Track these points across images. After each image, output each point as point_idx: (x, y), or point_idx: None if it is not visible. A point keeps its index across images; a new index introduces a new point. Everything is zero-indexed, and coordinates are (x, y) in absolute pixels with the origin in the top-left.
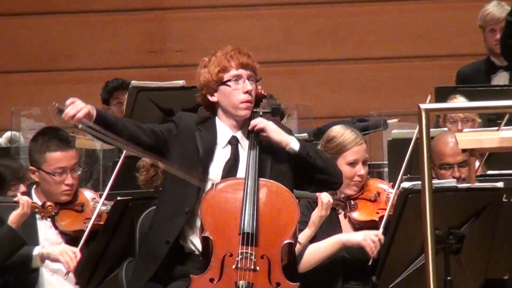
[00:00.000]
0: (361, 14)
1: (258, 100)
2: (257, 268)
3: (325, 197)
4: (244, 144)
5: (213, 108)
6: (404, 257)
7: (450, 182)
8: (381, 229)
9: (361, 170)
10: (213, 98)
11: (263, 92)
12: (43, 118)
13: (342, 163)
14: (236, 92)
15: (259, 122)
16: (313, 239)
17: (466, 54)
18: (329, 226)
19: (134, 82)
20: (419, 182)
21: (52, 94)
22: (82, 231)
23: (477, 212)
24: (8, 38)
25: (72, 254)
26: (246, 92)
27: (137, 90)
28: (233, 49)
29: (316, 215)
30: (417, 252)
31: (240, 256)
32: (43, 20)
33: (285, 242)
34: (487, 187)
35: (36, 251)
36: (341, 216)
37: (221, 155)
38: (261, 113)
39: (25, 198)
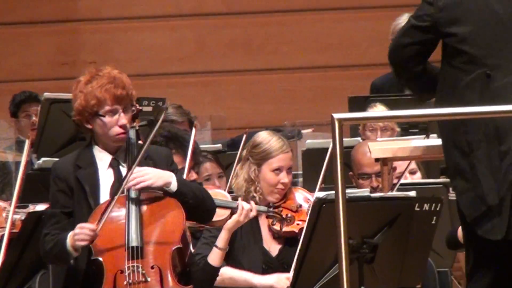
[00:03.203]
0: (274, 24)
1: (134, 117)
2: (148, 279)
3: (246, 205)
4: (124, 164)
5: (88, 131)
6: (318, 266)
7: (363, 192)
8: (291, 273)
9: (284, 178)
10: (88, 126)
11: (138, 107)
12: None
13: (266, 170)
14: (111, 126)
15: (138, 182)
16: (234, 249)
17: (379, 64)
18: (250, 235)
19: (46, 94)
20: (333, 192)
21: None
22: None
23: (390, 221)
24: None
25: None
26: (121, 126)
27: (50, 102)
28: (109, 80)
29: (233, 220)
30: (331, 262)
31: (127, 271)
32: None
33: (174, 248)
34: (399, 196)
35: None
36: (262, 223)
37: (106, 179)
38: (137, 128)
39: None
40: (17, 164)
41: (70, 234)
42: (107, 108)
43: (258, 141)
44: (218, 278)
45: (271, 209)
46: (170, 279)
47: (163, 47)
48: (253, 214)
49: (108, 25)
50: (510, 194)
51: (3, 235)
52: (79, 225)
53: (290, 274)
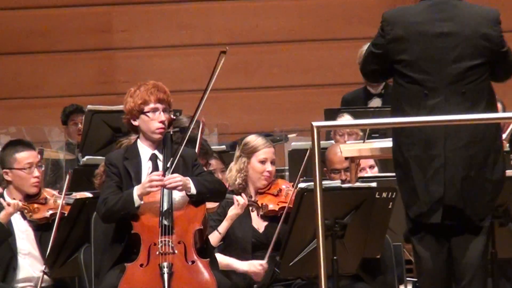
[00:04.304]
0: (267, 52)
1: (169, 123)
2: (176, 251)
3: (240, 199)
4: (161, 158)
5: (135, 129)
6: (301, 241)
7: (336, 183)
8: (265, 259)
9: (269, 167)
10: (135, 123)
11: (172, 116)
12: (17, 135)
13: (254, 161)
14: (153, 121)
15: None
16: (231, 228)
17: (348, 83)
18: (242, 218)
19: (89, 106)
20: (312, 183)
21: (23, 117)
22: (45, 218)
23: (356, 206)
24: None
25: None
26: (161, 122)
27: (92, 113)
28: (153, 86)
29: (233, 213)
30: (311, 238)
31: (161, 244)
32: (16, 58)
33: (196, 228)
34: (364, 186)
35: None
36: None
37: (145, 168)
38: (171, 132)
39: (14, 201)
40: (67, 161)
41: (137, 186)
42: (151, 106)
43: (247, 141)
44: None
45: (251, 200)
46: (192, 253)
47: (180, 69)
48: (243, 204)
49: (137, 52)
50: (438, 188)
51: (55, 217)
52: (148, 177)
53: (264, 261)
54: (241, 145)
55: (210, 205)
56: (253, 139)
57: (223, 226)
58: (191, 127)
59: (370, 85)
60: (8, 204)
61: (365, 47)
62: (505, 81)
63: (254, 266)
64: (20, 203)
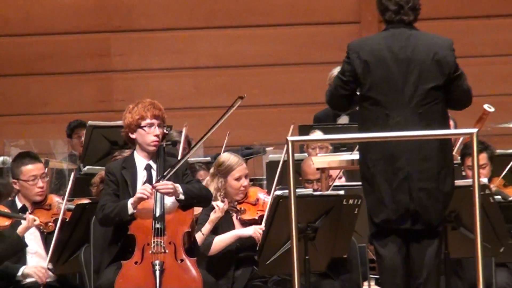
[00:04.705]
0: (248, 74)
1: (163, 137)
2: (167, 251)
3: (220, 204)
4: (155, 168)
5: (132, 142)
6: (277, 242)
7: (308, 191)
8: (263, 224)
9: (244, 182)
10: (132, 136)
11: (165, 131)
12: (26, 147)
13: (231, 180)
14: (149, 135)
15: (164, 188)
16: (216, 234)
17: (319, 103)
18: (225, 225)
19: (90, 122)
20: (287, 191)
21: (32, 131)
22: (51, 227)
23: (326, 211)
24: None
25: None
26: (156, 136)
27: (92, 128)
28: (150, 103)
29: (215, 216)
30: (285, 239)
31: (153, 244)
32: (26, 79)
33: (185, 231)
34: (333, 194)
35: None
36: (234, 219)
37: (141, 177)
38: (164, 145)
39: (31, 216)
40: (69, 170)
41: (132, 198)
42: (148, 121)
43: (221, 161)
44: (212, 248)
45: (231, 204)
46: (181, 252)
47: (171, 89)
48: (223, 209)
49: (132, 74)
50: (404, 197)
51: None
52: (141, 186)
53: (262, 225)
54: (216, 165)
55: (196, 211)
56: (227, 159)
57: (206, 228)
58: (197, 146)
59: None
60: (28, 219)
61: (335, 70)
62: (461, 109)
63: (256, 230)
64: (37, 220)
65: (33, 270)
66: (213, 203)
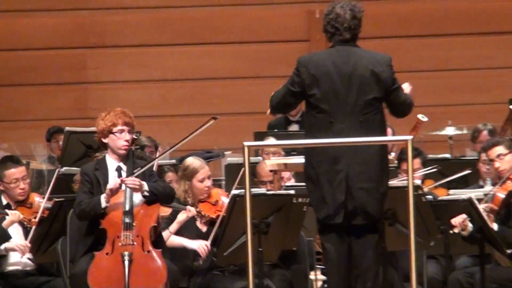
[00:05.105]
0: (208, 86)
1: (132, 142)
2: (135, 243)
3: (192, 209)
4: (124, 169)
5: (104, 146)
6: (233, 236)
7: (262, 191)
8: (209, 240)
9: (208, 183)
10: (105, 140)
11: (134, 136)
12: (9, 150)
13: (195, 181)
14: (120, 140)
15: (133, 184)
16: (181, 229)
17: None
18: (190, 226)
19: (67, 128)
20: (243, 190)
21: (15, 135)
22: (32, 219)
23: (278, 208)
24: None
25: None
26: (126, 141)
27: (69, 133)
28: (121, 112)
29: (183, 218)
30: (241, 233)
31: (123, 237)
32: (10, 89)
33: (152, 225)
34: (284, 193)
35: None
36: (197, 223)
37: (112, 177)
38: (133, 149)
39: (15, 212)
40: (49, 171)
41: (104, 194)
42: (119, 127)
43: (186, 165)
44: (168, 242)
45: (197, 210)
46: (148, 244)
47: (139, 100)
48: (192, 213)
49: (106, 86)
50: (340, 196)
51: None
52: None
53: (208, 242)
54: (182, 169)
55: (164, 212)
56: (191, 163)
57: (173, 227)
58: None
59: (290, 114)
60: (12, 214)
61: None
62: (403, 116)
63: (201, 245)
64: (21, 216)
65: (14, 244)
66: (188, 207)
